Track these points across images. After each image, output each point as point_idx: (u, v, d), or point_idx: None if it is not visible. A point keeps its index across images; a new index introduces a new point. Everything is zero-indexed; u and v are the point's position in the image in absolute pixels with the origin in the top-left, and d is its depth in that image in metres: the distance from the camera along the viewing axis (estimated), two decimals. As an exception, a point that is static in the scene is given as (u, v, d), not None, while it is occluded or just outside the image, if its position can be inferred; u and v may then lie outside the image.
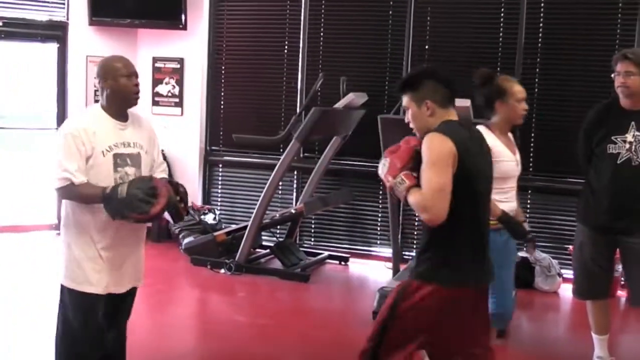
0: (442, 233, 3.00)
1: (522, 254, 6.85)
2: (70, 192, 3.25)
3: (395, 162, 3.06)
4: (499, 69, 7.12)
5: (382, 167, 3.11)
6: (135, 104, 3.46)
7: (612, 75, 4.46)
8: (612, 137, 4.40)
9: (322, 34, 7.84)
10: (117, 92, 3.31)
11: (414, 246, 7.53)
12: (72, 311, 3.45)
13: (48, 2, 8.09)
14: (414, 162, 3.05)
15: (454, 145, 2.93)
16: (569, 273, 6.20)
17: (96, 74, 3.42)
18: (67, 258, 3.43)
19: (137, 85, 3.41)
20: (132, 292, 3.66)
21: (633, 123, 4.37)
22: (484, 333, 3.32)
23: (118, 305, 3.59)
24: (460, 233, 3.04)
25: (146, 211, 3.17)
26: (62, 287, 3.48)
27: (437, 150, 2.94)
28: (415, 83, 3.14)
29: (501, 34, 7.19)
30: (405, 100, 3.18)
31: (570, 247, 5.37)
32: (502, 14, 7.19)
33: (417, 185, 2.98)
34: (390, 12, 7.56)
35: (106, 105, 3.39)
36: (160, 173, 3.64)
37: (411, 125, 3.20)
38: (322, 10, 7.82)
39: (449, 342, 3.16)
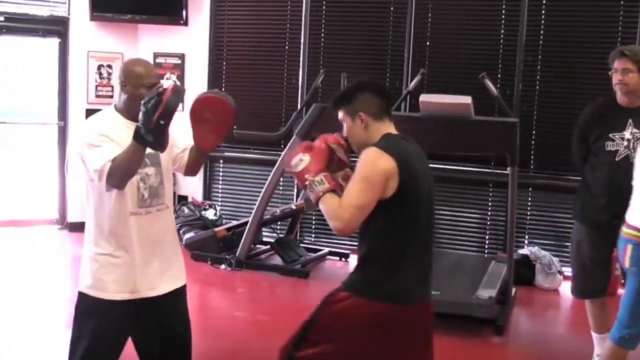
0: (381, 247, 2.95)
1: (522, 251, 6.86)
2: (114, 168, 3.07)
3: (318, 160, 3.00)
4: (500, 66, 7.13)
5: (298, 162, 3.02)
6: None
7: (610, 73, 4.46)
8: (610, 135, 4.39)
9: (323, 30, 7.84)
10: (134, 100, 3.18)
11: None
12: (85, 317, 3.35)
13: (50, -3, 8.11)
14: (330, 162, 3.05)
15: (394, 162, 2.87)
16: (569, 271, 6.20)
17: (118, 75, 3.33)
18: (87, 261, 3.35)
19: None
20: (172, 294, 3.45)
21: (630, 120, 4.37)
22: (422, 353, 3.20)
23: (155, 310, 3.40)
24: (399, 248, 2.96)
25: (159, 98, 2.97)
26: (79, 292, 3.37)
27: (370, 168, 2.87)
28: (349, 97, 3.09)
29: (502, 32, 7.18)
30: (340, 114, 3.12)
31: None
32: (503, 12, 7.17)
33: (334, 190, 2.93)
34: (392, 9, 7.55)
35: (122, 108, 3.30)
36: (187, 150, 3.51)
37: (349, 141, 3.14)
38: (324, 7, 7.81)
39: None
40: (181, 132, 3.49)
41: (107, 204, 3.26)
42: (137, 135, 2.98)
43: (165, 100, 2.93)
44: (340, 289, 3.06)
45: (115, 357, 3.39)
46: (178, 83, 3.15)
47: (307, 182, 2.98)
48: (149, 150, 3.12)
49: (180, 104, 3.05)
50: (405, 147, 3.01)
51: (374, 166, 2.87)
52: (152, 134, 2.95)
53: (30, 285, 6.24)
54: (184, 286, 3.54)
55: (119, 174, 3.08)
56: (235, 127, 3.43)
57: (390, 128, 3.08)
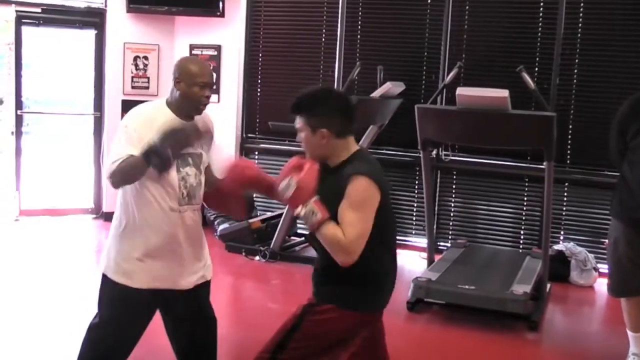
0: (367, 262, 2.92)
1: (557, 247, 6.80)
2: (117, 171, 3.15)
3: (305, 186, 2.87)
4: (537, 59, 7.07)
5: (287, 188, 2.88)
6: (200, 113, 3.38)
7: None
8: None
9: (359, 22, 7.81)
10: (186, 98, 3.25)
11: (449, 237, 7.51)
12: (114, 303, 3.43)
13: (87, -11, 8.17)
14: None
15: (379, 190, 2.90)
16: (605, 267, 6.15)
17: (173, 71, 3.34)
18: (115, 247, 3.41)
19: (208, 97, 3.34)
20: (200, 287, 3.54)
21: None
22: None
23: (184, 300, 3.49)
24: (382, 262, 3.05)
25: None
26: (104, 277, 3.44)
27: (364, 197, 2.87)
28: (311, 106, 3.01)
29: (540, 24, 7.10)
30: (298, 121, 3.03)
31: (606, 241, 5.31)
32: (541, 4, 7.09)
33: (330, 218, 2.85)
34: (429, 1, 7.51)
35: (173, 103, 3.33)
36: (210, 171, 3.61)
37: (304, 149, 3.08)
38: (360, -1, 7.80)
39: None
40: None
41: (147, 197, 3.31)
42: (146, 153, 3.07)
43: (188, 142, 3.16)
44: (324, 300, 3.06)
45: (133, 344, 3.49)
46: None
47: (298, 212, 2.88)
48: (193, 149, 3.30)
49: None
50: (376, 166, 3.05)
51: (368, 195, 2.89)
52: (159, 159, 3.06)
53: (65, 273, 6.33)
54: (210, 280, 3.63)
55: (117, 177, 3.20)
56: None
57: (352, 144, 3.06)
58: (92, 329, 3.47)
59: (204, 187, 3.49)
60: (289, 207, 3.01)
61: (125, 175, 3.17)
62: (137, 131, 3.21)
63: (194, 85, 3.26)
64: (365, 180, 2.88)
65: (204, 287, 3.58)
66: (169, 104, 3.36)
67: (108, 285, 3.42)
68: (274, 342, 3.10)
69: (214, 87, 8.12)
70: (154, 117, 3.27)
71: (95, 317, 3.48)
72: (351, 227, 2.83)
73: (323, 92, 3.15)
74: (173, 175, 3.27)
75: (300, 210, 2.86)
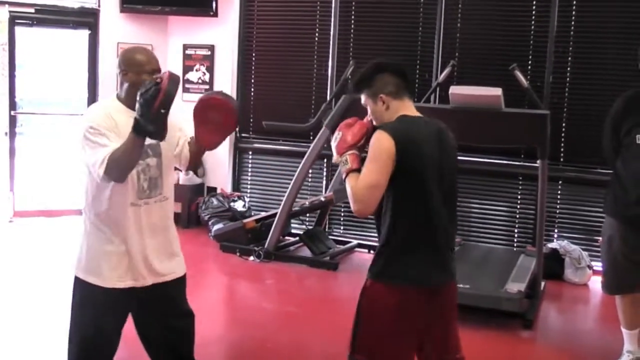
0: (393, 230, 3.01)
1: (552, 245, 6.81)
2: (114, 161, 3.08)
3: (346, 138, 3.08)
4: (530, 57, 7.07)
5: (334, 140, 3.12)
6: None
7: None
8: None
9: (353, 21, 7.82)
10: (137, 87, 3.15)
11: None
12: (86, 304, 3.38)
13: (80, -11, 8.16)
14: (367, 139, 3.07)
15: (392, 142, 2.92)
16: (599, 265, 6.14)
17: (117, 65, 3.32)
18: (84, 248, 3.38)
19: (159, 83, 3.28)
20: (173, 282, 3.50)
21: None
22: (448, 338, 3.22)
23: (156, 296, 3.45)
24: (410, 230, 3.02)
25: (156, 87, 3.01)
26: (76, 278, 3.41)
27: (376, 148, 2.95)
28: (368, 79, 3.15)
29: (533, 23, 7.10)
30: (362, 98, 3.19)
31: (599, 239, 5.32)
32: (534, 2, 7.09)
33: (359, 170, 3.00)
34: (422, 0, 7.51)
35: (124, 97, 3.29)
36: (185, 144, 3.53)
37: (374, 122, 3.18)
38: (353, -2, 7.80)
39: (403, 346, 3.08)
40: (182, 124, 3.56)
41: (105, 193, 3.27)
42: (137, 126, 3.01)
43: (164, 88, 2.97)
44: (368, 277, 3.11)
45: (115, 341, 3.45)
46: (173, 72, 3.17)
47: (336, 160, 3.10)
48: (149, 140, 3.15)
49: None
50: (412, 127, 3.05)
51: (379, 146, 2.95)
52: (152, 124, 2.99)
53: (57, 273, 6.28)
54: (184, 275, 3.58)
55: (119, 167, 3.11)
56: (237, 129, 3.45)
57: (408, 107, 3.14)
58: (72, 333, 3.42)
59: (173, 178, 3.49)
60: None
61: (123, 161, 3.09)
62: (102, 126, 3.17)
63: (143, 72, 3.23)
64: (380, 134, 2.97)
65: (177, 283, 3.53)
66: (120, 99, 3.32)
67: (81, 286, 3.39)
68: (351, 334, 3.13)
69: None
70: (109, 112, 3.24)
71: (70, 320, 3.43)
72: (362, 177, 2.94)
73: (372, 66, 3.22)
74: None
75: (337, 158, 3.08)
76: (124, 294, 3.34)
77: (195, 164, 3.60)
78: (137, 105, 3.00)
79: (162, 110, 2.98)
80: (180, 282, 3.56)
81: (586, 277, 6.64)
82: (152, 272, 3.39)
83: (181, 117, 3.53)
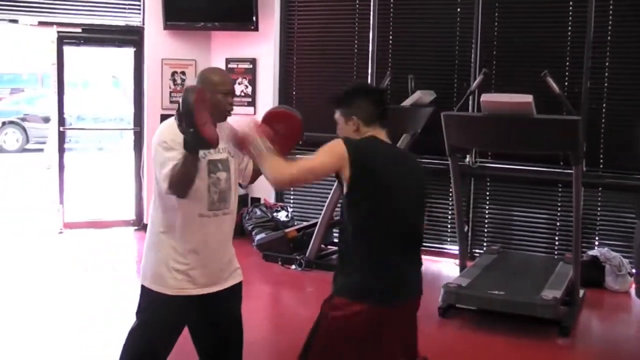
0: (352, 249, 3.06)
1: (592, 252, 6.76)
2: (173, 178, 3.21)
3: (260, 132, 3.18)
4: (567, 63, 7.05)
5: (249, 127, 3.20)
6: (225, 119, 3.47)
7: None
8: None
9: (391, 32, 7.88)
10: (212, 106, 3.28)
11: (484, 244, 7.51)
12: (149, 310, 3.52)
13: (125, 8, 8.40)
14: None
15: (347, 152, 2.98)
16: (639, 272, 6.10)
17: (196, 82, 3.42)
18: (150, 257, 3.50)
19: (231, 104, 3.44)
20: (229, 291, 3.59)
21: None
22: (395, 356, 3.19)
23: (215, 303, 3.57)
24: (367, 251, 3.04)
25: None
26: (142, 287, 3.54)
27: (328, 147, 3.02)
28: (347, 99, 3.21)
29: (570, 29, 7.07)
30: (336, 114, 3.25)
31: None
32: (570, 9, 7.06)
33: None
34: (458, 10, 7.54)
35: None
36: (250, 161, 3.64)
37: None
38: (391, 9, 7.85)
39: None
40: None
41: (176, 204, 3.37)
42: (185, 144, 3.12)
43: (180, 104, 3.08)
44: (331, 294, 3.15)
45: (169, 347, 3.56)
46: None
47: (251, 141, 3.14)
48: (220, 155, 3.36)
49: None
50: (372, 145, 3.11)
51: (330, 146, 3.03)
52: (191, 141, 3.08)
53: (107, 282, 6.49)
54: (241, 282, 3.68)
55: (177, 184, 3.22)
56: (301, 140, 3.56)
57: (378, 133, 3.18)
58: (130, 333, 3.56)
59: (237, 193, 3.58)
60: (242, 146, 3.24)
61: (181, 178, 3.20)
62: (171, 140, 3.28)
63: (217, 93, 3.34)
64: (337, 140, 3.05)
65: (234, 291, 3.63)
66: None
67: (144, 292, 3.53)
68: (305, 342, 3.19)
69: (251, 99, 8.34)
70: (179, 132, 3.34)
71: (134, 322, 3.58)
72: (306, 160, 3.05)
73: (355, 86, 3.34)
74: (201, 180, 3.33)
75: (252, 141, 3.15)
76: (186, 302, 3.47)
77: (254, 178, 3.72)
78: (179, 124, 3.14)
79: (191, 129, 3.06)
80: (237, 290, 3.67)
81: (627, 284, 6.56)
82: (214, 281, 3.50)
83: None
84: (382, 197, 3.03)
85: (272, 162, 3.08)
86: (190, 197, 3.32)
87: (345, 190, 3.05)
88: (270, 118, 3.44)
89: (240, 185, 3.72)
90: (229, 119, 3.49)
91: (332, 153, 3.01)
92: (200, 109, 3.09)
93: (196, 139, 3.07)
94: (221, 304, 3.59)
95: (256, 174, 3.65)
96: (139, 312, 3.57)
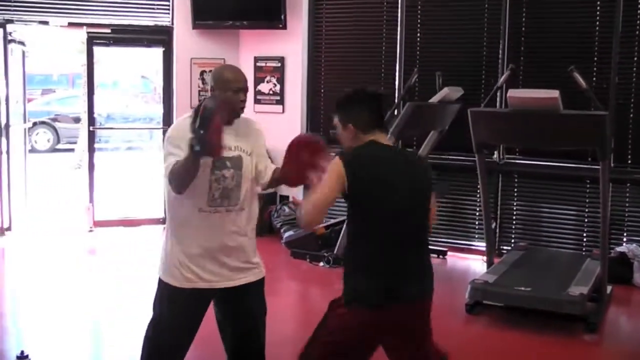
0: (352, 253, 3.16)
1: (620, 248, 6.73)
2: (172, 174, 3.30)
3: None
4: (595, 59, 7.02)
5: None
6: (238, 116, 3.53)
7: None
8: None
9: (419, 29, 7.88)
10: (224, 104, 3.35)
11: (512, 240, 7.49)
12: (163, 302, 3.60)
13: (153, 8, 8.49)
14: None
15: (342, 166, 3.04)
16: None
17: (209, 80, 3.52)
18: (163, 250, 3.59)
19: (243, 100, 3.49)
20: (246, 288, 3.65)
21: None
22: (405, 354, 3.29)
23: (230, 302, 3.65)
24: (366, 251, 3.11)
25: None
26: (159, 279, 3.62)
27: (328, 170, 3.09)
28: (345, 106, 3.26)
29: (597, 23, 7.04)
30: (335, 119, 3.31)
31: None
32: (598, 3, 7.02)
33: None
34: (486, 6, 7.52)
35: None
36: (270, 171, 3.69)
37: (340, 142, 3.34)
38: (419, 7, 7.86)
39: None
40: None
41: (178, 198, 3.44)
42: (190, 146, 3.17)
43: (200, 111, 3.10)
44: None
45: (189, 338, 3.63)
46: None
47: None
48: (231, 153, 3.39)
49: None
50: (370, 152, 3.16)
51: (330, 171, 3.09)
52: (197, 143, 3.11)
53: (135, 279, 6.55)
54: (260, 281, 3.72)
55: (176, 179, 3.31)
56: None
57: (378, 137, 3.22)
58: (149, 327, 3.65)
59: (253, 190, 3.62)
60: None
61: (180, 175, 3.27)
62: (177, 138, 3.36)
63: (228, 90, 3.41)
64: (334, 160, 3.11)
65: (252, 287, 3.67)
66: None
67: (160, 286, 3.62)
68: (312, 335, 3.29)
69: (279, 98, 8.38)
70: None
71: (152, 317, 3.66)
72: (310, 196, 3.10)
73: (353, 93, 3.31)
74: (203, 176, 3.39)
75: None
76: (198, 295, 3.54)
77: (269, 188, 3.77)
78: (192, 124, 3.17)
79: (201, 131, 3.09)
80: (254, 287, 3.70)
81: (656, 281, 6.53)
82: (223, 276, 3.56)
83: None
84: (377, 202, 3.08)
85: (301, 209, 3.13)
86: (190, 192, 3.38)
87: (345, 194, 3.08)
88: (300, 146, 3.47)
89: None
90: (252, 116, 3.54)
91: (332, 178, 3.07)
92: (218, 117, 3.14)
93: (203, 142, 3.11)
94: (239, 300, 3.64)
95: (273, 185, 3.69)
96: (155, 306, 3.65)
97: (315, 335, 3.27)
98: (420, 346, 3.27)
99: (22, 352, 4.35)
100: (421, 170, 3.31)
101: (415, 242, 3.19)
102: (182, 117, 3.57)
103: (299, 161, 3.42)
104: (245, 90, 3.49)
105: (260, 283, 3.73)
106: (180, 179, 3.29)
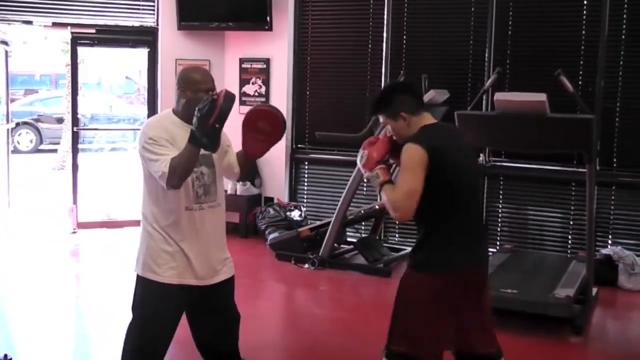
0: (430, 227, 3.33)
1: (605, 251, 6.75)
2: (172, 169, 3.33)
3: (372, 155, 3.40)
4: (581, 61, 7.03)
5: (360, 159, 3.44)
6: None
7: None
8: None
9: (405, 32, 7.87)
10: (194, 104, 3.40)
11: (497, 242, 7.49)
12: (149, 300, 3.61)
13: (139, 9, 8.44)
14: (392, 151, 3.41)
15: (424, 151, 3.21)
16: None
17: (177, 82, 3.59)
18: (144, 248, 3.60)
19: None
20: (219, 286, 3.71)
21: None
22: (483, 327, 3.45)
23: (208, 296, 3.68)
24: (445, 225, 3.31)
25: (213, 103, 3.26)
26: (137, 276, 3.65)
27: (408, 158, 3.24)
28: (387, 101, 3.45)
29: (584, 27, 7.05)
30: (381, 118, 3.49)
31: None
32: (584, 7, 7.04)
33: (391, 181, 3.32)
34: (473, 9, 7.53)
35: (180, 111, 3.55)
36: (235, 158, 3.79)
37: (394, 138, 3.47)
38: (405, 9, 7.84)
39: (441, 332, 3.33)
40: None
41: (163, 198, 3.52)
42: (193, 138, 3.29)
43: (219, 105, 3.23)
44: (407, 269, 3.43)
45: (167, 337, 3.65)
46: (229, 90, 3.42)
47: (366, 177, 3.42)
48: (203, 151, 3.41)
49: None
50: (436, 133, 3.36)
51: (411, 156, 3.24)
52: (206, 137, 3.26)
53: (118, 280, 6.49)
54: (233, 277, 3.80)
55: (177, 174, 3.35)
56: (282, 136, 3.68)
57: (426, 119, 3.42)
58: (129, 326, 3.66)
59: (223, 186, 3.74)
60: (363, 173, 3.47)
61: (180, 170, 3.34)
62: (160, 137, 3.43)
63: (199, 91, 3.48)
64: (410, 146, 3.25)
65: (227, 284, 3.76)
66: (176, 112, 3.58)
67: (139, 282, 3.64)
68: (389, 327, 3.42)
69: (264, 99, 8.37)
70: (165, 125, 3.51)
71: (133, 319, 3.66)
72: (399, 186, 3.24)
73: (388, 88, 3.71)
74: None
75: (367, 174, 3.40)
76: (179, 291, 3.57)
77: (244, 175, 3.88)
78: (194, 119, 3.27)
79: (217, 125, 3.24)
80: (230, 283, 3.79)
81: (640, 283, 6.56)
82: (205, 273, 3.62)
83: (238, 127, 3.66)
84: (452, 180, 3.29)
85: (386, 201, 3.27)
86: (176, 191, 3.46)
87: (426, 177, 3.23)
88: (255, 116, 3.56)
89: (253, 184, 3.81)
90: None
91: (416, 164, 3.22)
92: (228, 116, 3.27)
93: (213, 136, 3.25)
94: (216, 295, 3.71)
95: (242, 169, 3.81)
96: (134, 304, 3.65)
97: (396, 315, 3.38)
98: (486, 307, 3.49)
99: (5, 356, 4.32)
100: (469, 144, 3.56)
101: (480, 212, 3.43)
102: (155, 118, 3.72)
103: (257, 129, 3.54)
104: (214, 89, 3.57)
105: (233, 278, 3.82)
106: (180, 173, 3.35)
